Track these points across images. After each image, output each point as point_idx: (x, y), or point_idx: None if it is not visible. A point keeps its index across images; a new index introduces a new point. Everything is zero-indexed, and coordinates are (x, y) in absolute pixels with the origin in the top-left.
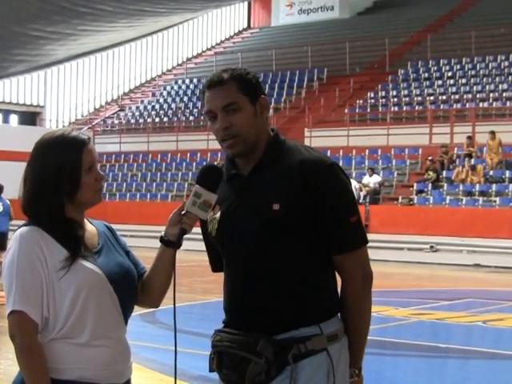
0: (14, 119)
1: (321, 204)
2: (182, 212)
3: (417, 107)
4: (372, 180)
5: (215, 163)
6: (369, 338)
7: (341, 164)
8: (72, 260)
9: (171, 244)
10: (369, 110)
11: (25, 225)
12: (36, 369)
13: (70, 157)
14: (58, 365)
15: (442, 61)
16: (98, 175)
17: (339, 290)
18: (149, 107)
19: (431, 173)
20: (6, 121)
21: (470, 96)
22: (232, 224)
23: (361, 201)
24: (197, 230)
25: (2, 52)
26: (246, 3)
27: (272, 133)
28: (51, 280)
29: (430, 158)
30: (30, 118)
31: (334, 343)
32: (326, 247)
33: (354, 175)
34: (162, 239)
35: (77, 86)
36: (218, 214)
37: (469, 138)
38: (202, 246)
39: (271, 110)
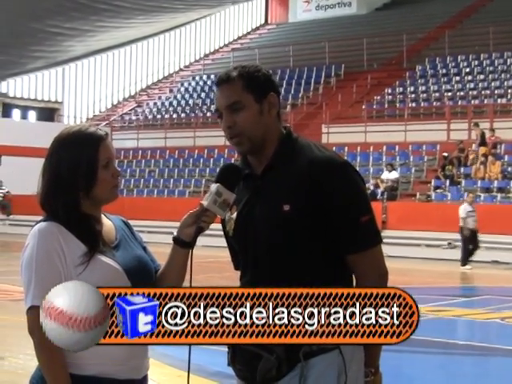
0: (32, 115)
1: (329, 204)
2: (202, 209)
3: (434, 103)
4: (390, 176)
5: (233, 160)
6: None
7: (358, 160)
8: (90, 255)
9: (187, 244)
10: (386, 106)
11: (42, 220)
12: (55, 364)
13: (87, 152)
14: (77, 360)
15: (459, 57)
16: (115, 171)
17: None
18: (166, 103)
19: (451, 167)
20: (24, 117)
21: (488, 92)
22: (247, 224)
23: (378, 197)
24: (213, 226)
25: (21, 48)
26: None
27: (284, 131)
28: (70, 275)
29: (444, 154)
30: (49, 114)
31: None
32: (338, 247)
33: (371, 171)
34: (175, 240)
35: (94, 82)
36: (235, 215)
37: (492, 130)
38: (218, 242)
39: (288, 107)
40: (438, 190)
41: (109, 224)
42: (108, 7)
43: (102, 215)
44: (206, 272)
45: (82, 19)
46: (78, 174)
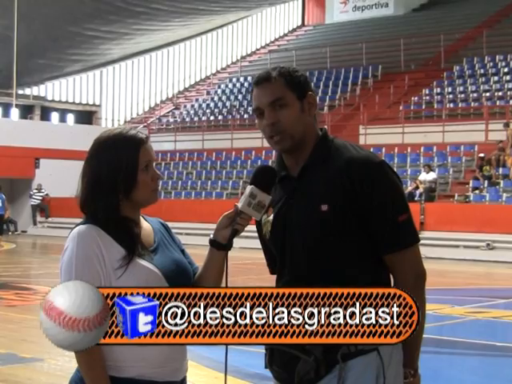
0: (70, 118)
1: (367, 203)
2: (236, 211)
3: (472, 104)
4: (428, 177)
5: (270, 162)
6: (425, 336)
7: (395, 161)
8: (129, 259)
9: (223, 247)
10: (424, 106)
11: (82, 223)
12: (94, 366)
13: (127, 155)
14: (117, 362)
15: (497, 57)
16: (155, 174)
17: None
18: (203, 105)
19: (488, 167)
20: (62, 120)
21: None
22: (284, 226)
23: (416, 198)
24: (251, 228)
25: (59, 52)
26: (300, 1)
27: (321, 132)
28: (109, 278)
29: (481, 155)
30: (86, 117)
31: None
32: (376, 247)
33: (408, 172)
34: (212, 242)
35: (132, 85)
36: (272, 217)
37: None
38: (256, 243)
39: (325, 108)
40: (476, 191)
41: (147, 227)
42: (145, 10)
43: (141, 218)
44: (244, 274)
45: (119, 22)
46: (117, 177)
